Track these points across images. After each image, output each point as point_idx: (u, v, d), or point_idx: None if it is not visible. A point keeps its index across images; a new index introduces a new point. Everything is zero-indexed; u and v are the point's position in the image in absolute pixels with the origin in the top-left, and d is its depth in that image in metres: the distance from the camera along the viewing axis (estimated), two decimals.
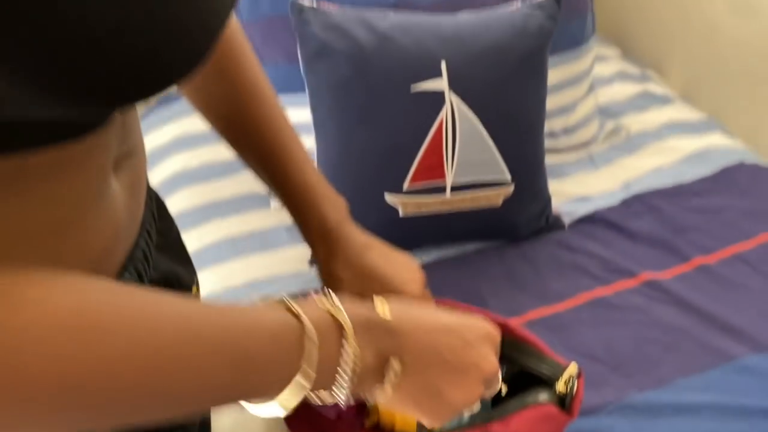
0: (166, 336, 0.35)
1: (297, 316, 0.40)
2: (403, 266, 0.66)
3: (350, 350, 0.42)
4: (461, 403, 0.51)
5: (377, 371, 0.45)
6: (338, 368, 0.42)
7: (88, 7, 0.26)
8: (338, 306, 0.43)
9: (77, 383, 0.31)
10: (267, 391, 0.39)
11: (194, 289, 0.65)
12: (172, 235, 0.63)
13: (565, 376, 0.68)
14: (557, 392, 0.68)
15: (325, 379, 0.41)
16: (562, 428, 0.70)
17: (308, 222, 0.66)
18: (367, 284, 0.63)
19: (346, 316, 0.42)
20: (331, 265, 0.65)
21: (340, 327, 0.42)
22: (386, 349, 0.46)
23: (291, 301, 0.41)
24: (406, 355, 0.46)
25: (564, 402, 0.68)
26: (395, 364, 0.45)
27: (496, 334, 0.55)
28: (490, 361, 0.52)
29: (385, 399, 0.48)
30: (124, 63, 0.29)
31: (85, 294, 0.33)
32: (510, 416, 0.68)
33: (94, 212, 0.41)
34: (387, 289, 0.63)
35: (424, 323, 0.50)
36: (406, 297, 0.61)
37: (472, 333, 0.52)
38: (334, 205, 0.66)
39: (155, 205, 0.58)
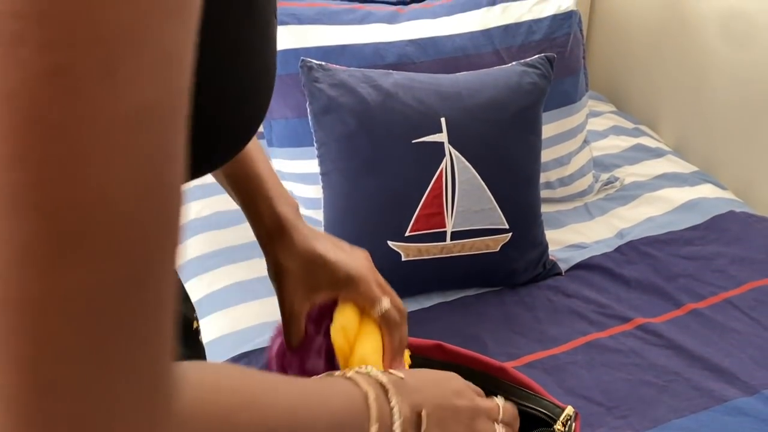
0: (280, 419, 0.41)
1: (361, 387, 0.46)
2: (352, 254, 0.66)
3: (397, 406, 0.47)
4: None
5: (414, 424, 0.49)
6: (393, 421, 0.47)
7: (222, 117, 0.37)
8: (384, 381, 0.48)
9: None
10: None
11: (195, 323, 0.66)
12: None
13: (563, 417, 0.69)
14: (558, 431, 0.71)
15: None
16: None
17: (261, 215, 0.65)
18: (315, 273, 0.63)
19: (385, 378, 0.48)
20: (279, 256, 0.64)
21: (384, 387, 0.47)
22: (415, 404, 0.50)
23: (347, 373, 0.48)
24: (428, 407, 0.51)
25: None
26: (424, 414, 0.50)
27: (493, 405, 0.59)
28: (487, 422, 0.57)
29: None
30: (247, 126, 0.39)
31: (220, 391, 0.37)
32: None
33: None
34: (336, 277, 0.63)
35: (426, 375, 0.57)
36: (361, 287, 0.62)
37: (459, 383, 0.58)
38: (287, 202, 0.66)
39: None
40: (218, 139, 0.39)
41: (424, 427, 0.50)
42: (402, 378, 0.51)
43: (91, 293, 0.25)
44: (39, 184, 0.23)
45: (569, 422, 0.68)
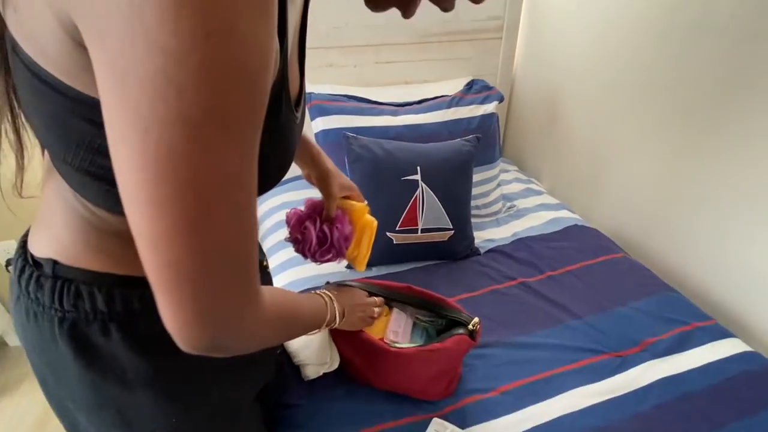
0: (300, 319, 0.50)
1: (324, 299, 0.59)
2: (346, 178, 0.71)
3: (336, 306, 0.60)
4: (365, 322, 0.70)
5: (341, 315, 0.62)
6: (335, 319, 0.60)
7: (282, 166, 0.42)
8: (331, 295, 0.60)
9: (274, 339, 0.46)
10: (319, 327, 0.57)
11: (265, 262, 0.67)
12: None
13: (473, 322, 0.74)
14: (469, 329, 0.74)
15: (330, 323, 0.60)
16: (470, 349, 0.75)
17: (317, 152, 0.67)
18: (341, 178, 0.68)
19: (335, 300, 0.60)
20: (327, 165, 0.67)
21: (332, 299, 0.60)
22: (341, 306, 0.62)
23: (322, 292, 0.60)
24: (346, 307, 0.63)
25: (472, 335, 0.74)
26: (346, 312, 0.63)
27: (373, 300, 0.72)
28: (370, 307, 0.70)
29: (342, 323, 0.63)
30: (271, 181, 0.41)
31: (276, 298, 0.41)
32: (445, 340, 0.72)
33: None
34: (349, 183, 0.69)
35: (347, 295, 0.67)
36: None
37: (361, 299, 0.69)
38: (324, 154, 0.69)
39: None
40: (264, 185, 0.39)
41: (345, 317, 0.63)
42: (337, 293, 0.62)
43: (222, 250, 0.28)
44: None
45: (476, 325, 0.73)
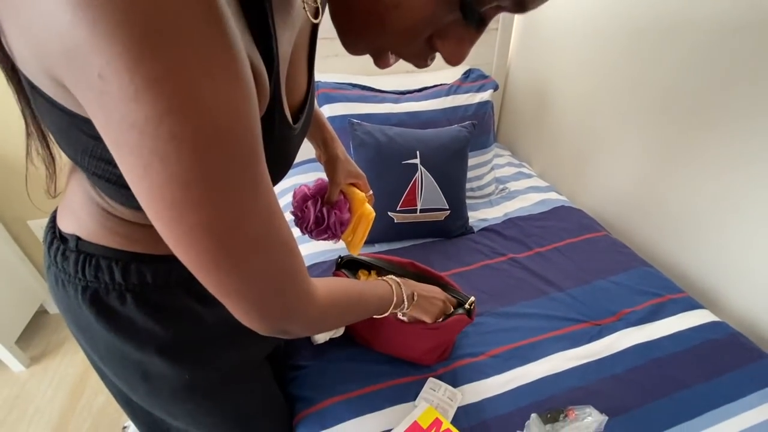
0: (361, 303, 0.50)
1: (390, 284, 0.58)
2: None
3: (404, 290, 0.59)
4: (436, 315, 0.68)
5: (411, 300, 0.61)
6: (404, 301, 0.59)
7: (288, 159, 0.42)
8: (398, 281, 0.59)
9: (336, 322, 0.47)
10: (386, 311, 0.57)
11: None
12: None
13: (470, 300, 0.73)
14: (466, 308, 0.72)
15: (399, 306, 0.59)
16: (467, 324, 0.74)
17: (330, 135, 0.66)
18: (350, 165, 0.66)
19: (402, 285, 0.59)
20: (337, 151, 0.65)
21: (399, 284, 0.59)
22: (412, 292, 0.61)
23: (389, 279, 0.59)
24: (417, 293, 0.63)
25: (469, 313, 0.73)
26: (415, 297, 0.62)
27: (443, 294, 0.70)
28: (444, 302, 0.68)
29: (412, 307, 0.62)
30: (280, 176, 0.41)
31: (333, 289, 0.42)
32: (446, 320, 0.70)
33: None
34: (357, 171, 0.67)
35: (422, 286, 0.66)
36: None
37: (435, 291, 0.68)
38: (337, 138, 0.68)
39: None
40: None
41: (414, 301, 0.61)
42: (408, 281, 0.62)
43: (261, 270, 0.29)
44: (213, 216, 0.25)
45: (472, 304, 0.73)
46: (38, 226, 1.46)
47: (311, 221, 0.63)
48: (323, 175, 0.68)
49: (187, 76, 0.20)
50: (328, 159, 0.65)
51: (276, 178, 0.41)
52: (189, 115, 0.21)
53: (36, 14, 0.19)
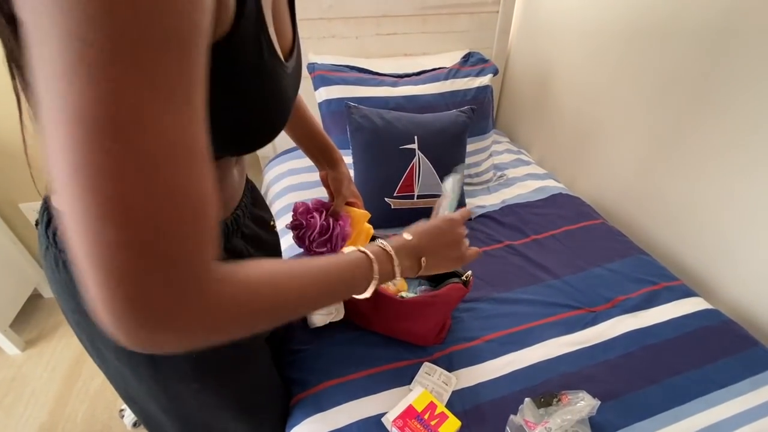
0: (309, 284, 0.33)
1: (366, 254, 0.40)
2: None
3: (397, 265, 0.42)
4: (455, 264, 0.49)
5: (414, 266, 0.44)
6: (393, 273, 0.42)
7: (278, 122, 0.39)
8: (385, 243, 0.42)
9: (271, 312, 0.30)
10: (360, 292, 0.40)
11: (272, 222, 0.62)
12: (258, 197, 0.62)
13: (467, 274, 0.74)
14: (462, 279, 0.74)
15: (386, 279, 0.41)
16: (464, 295, 0.74)
17: (332, 151, 0.67)
18: (351, 184, 0.67)
19: (390, 246, 0.42)
20: (342, 168, 0.67)
21: (389, 254, 0.41)
22: (416, 255, 0.44)
23: (360, 248, 0.41)
24: (425, 254, 0.45)
25: (465, 284, 0.73)
26: (423, 261, 0.45)
27: (462, 230, 0.49)
28: (463, 246, 0.49)
29: (422, 272, 0.45)
30: (266, 132, 0.38)
31: (252, 266, 0.30)
32: (442, 288, 0.73)
33: (229, 180, 0.48)
34: (356, 191, 0.69)
35: (429, 232, 0.46)
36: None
37: (453, 233, 0.48)
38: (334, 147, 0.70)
39: (250, 185, 0.59)
40: (260, 137, 0.38)
41: (422, 269, 0.45)
42: (408, 239, 0.44)
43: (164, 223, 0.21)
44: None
45: (469, 277, 0.74)
46: (30, 209, 1.43)
47: (316, 230, 0.63)
48: (319, 193, 0.69)
49: None
50: (336, 176, 0.67)
51: (272, 124, 0.37)
52: None
53: None
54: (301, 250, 0.70)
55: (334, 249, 0.65)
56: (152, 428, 0.60)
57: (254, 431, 0.62)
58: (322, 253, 0.64)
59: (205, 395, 0.51)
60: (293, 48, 0.43)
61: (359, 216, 0.70)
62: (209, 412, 0.54)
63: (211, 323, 0.25)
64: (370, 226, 0.72)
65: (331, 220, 0.64)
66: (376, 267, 0.40)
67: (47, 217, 0.40)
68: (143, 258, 0.21)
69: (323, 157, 0.69)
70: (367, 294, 0.41)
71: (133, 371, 0.47)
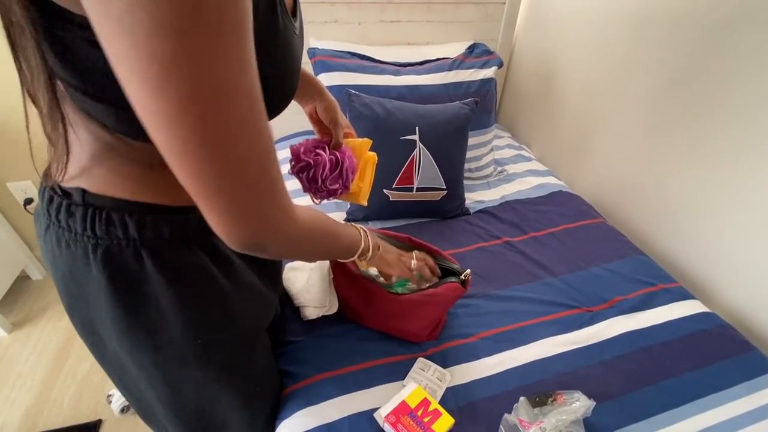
0: (334, 238, 0.50)
1: (359, 231, 0.58)
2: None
3: (370, 240, 0.59)
4: (401, 271, 0.67)
5: (374, 251, 0.60)
6: (369, 250, 0.58)
7: (290, 86, 0.40)
8: (366, 230, 0.59)
9: (310, 247, 0.45)
10: (350, 257, 0.57)
11: None
12: None
13: (466, 272, 0.73)
14: (460, 279, 0.72)
15: (365, 254, 0.58)
16: (461, 295, 0.73)
17: (320, 87, 0.62)
18: (333, 112, 0.62)
19: (368, 233, 0.59)
20: (331, 98, 0.62)
21: (366, 233, 0.59)
22: (376, 244, 0.61)
23: (357, 225, 0.59)
24: (381, 246, 0.62)
25: (463, 283, 0.72)
26: (380, 248, 0.61)
27: (411, 256, 0.69)
28: (409, 261, 0.68)
29: (374, 263, 0.63)
30: (281, 99, 0.39)
31: (312, 215, 0.42)
32: (440, 286, 0.71)
33: None
34: (345, 121, 0.64)
35: (385, 242, 0.65)
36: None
37: (397, 251, 0.68)
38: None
39: None
40: (276, 103, 0.39)
41: (380, 250, 0.62)
42: (374, 236, 0.61)
43: (240, 158, 0.28)
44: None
45: (468, 276, 0.72)
46: (18, 189, 1.40)
47: (327, 166, 0.58)
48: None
49: None
50: (328, 105, 0.61)
51: (290, 89, 0.40)
52: None
53: None
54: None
55: (346, 183, 0.61)
56: (146, 416, 0.59)
57: (250, 422, 0.61)
58: (335, 191, 0.61)
59: (207, 383, 0.50)
60: (295, 7, 0.42)
61: (361, 144, 0.65)
62: (208, 402, 0.53)
63: (294, 235, 0.36)
64: (374, 153, 0.66)
65: (337, 153, 0.59)
66: (363, 240, 0.57)
67: (50, 194, 0.39)
68: (261, 186, 0.31)
69: (307, 90, 0.62)
70: (356, 257, 0.58)
71: (134, 359, 0.46)
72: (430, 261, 0.73)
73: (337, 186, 0.61)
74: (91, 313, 0.43)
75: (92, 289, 0.40)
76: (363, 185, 0.66)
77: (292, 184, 0.68)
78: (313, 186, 0.61)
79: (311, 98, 0.63)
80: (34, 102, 0.32)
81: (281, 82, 0.38)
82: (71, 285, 0.41)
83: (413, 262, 0.69)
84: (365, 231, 0.59)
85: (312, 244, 0.44)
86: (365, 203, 0.69)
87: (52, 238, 0.40)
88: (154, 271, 0.39)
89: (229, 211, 0.30)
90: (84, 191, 0.37)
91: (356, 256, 0.57)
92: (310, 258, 0.60)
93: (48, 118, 0.32)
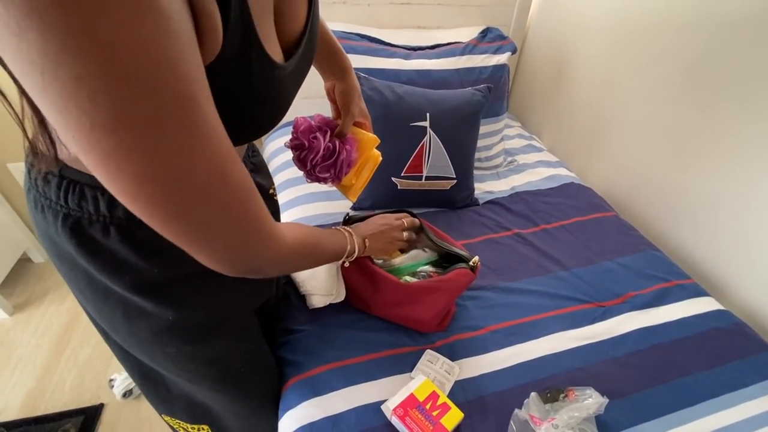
0: (321, 249, 0.51)
1: (345, 234, 0.59)
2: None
3: (356, 239, 0.60)
4: (394, 246, 0.69)
5: (363, 245, 0.62)
6: (356, 250, 0.60)
7: (272, 117, 0.39)
8: (350, 231, 0.60)
9: (300, 263, 0.48)
10: (339, 260, 0.59)
11: (271, 190, 0.62)
12: (259, 163, 0.60)
13: (474, 259, 0.72)
14: (470, 265, 0.71)
15: (352, 255, 0.60)
16: (470, 281, 0.72)
17: (347, 65, 0.59)
18: (360, 102, 0.60)
19: (354, 234, 0.60)
20: (355, 83, 0.59)
21: (351, 234, 0.60)
22: (364, 236, 0.63)
23: (343, 228, 0.60)
24: (368, 236, 0.63)
25: (473, 270, 0.71)
26: (367, 242, 0.63)
27: (400, 222, 0.69)
28: (399, 231, 0.69)
29: (365, 252, 0.63)
30: (265, 128, 0.39)
31: (297, 233, 0.43)
32: (450, 272, 0.70)
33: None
34: (367, 111, 0.63)
35: (371, 227, 0.65)
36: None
37: (388, 222, 0.68)
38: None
39: (250, 151, 0.57)
40: (258, 130, 0.39)
41: (367, 245, 0.62)
42: (356, 227, 0.63)
43: (215, 216, 0.29)
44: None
45: (476, 262, 0.71)
46: (18, 170, 1.37)
47: (320, 153, 0.56)
48: (324, 113, 0.61)
49: (76, 11, 0.19)
50: (345, 88, 0.58)
51: (270, 121, 0.39)
52: (87, 54, 0.19)
53: None
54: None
55: (338, 175, 0.59)
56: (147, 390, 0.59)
57: (238, 404, 0.60)
58: (324, 179, 0.59)
59: (181, 360, 0.50)
60: (304, 33, 0.40)
61: (368, 140, 0.61)
62: (187, 380, 0.53)
63: (284, 258, 0.39)
64: (379, 153, 0.63)
65: (336, 142, 0.57)
66: (349, 243, 0.59)
67: (31, 159, 0.39)
68: (238, 229, 0.32)
69: (330, 64, 0.58)
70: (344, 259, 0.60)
71: (110, 325, 0.47)
72: (409, 219, 0.73)
73: (327, 175, 0.58)
74: (69, 275, 0.44)
75: (66, 253, 0.41)
76: (357, 182, 0.63)
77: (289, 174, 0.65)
78: (303, 168, 0.59)
79: (332, 75, 0.59)
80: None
81: (257, 119, 0.38)
82: (49, 246, 0.43)
83: (405, 234, 0.70)
84: (350, 233, 0.60)
85: (302, 259, 0.47)
86: (354, 200, 0.67)
87: (32, 199, 0.41)
88: (123, 246, 0.39)
89: (213, 256, 0.32)
90: (62, 163, 0.38)
91: (344, 258, 0.59)
92: (301, 270, 0.64)
93: (29, 104, 0.31)
